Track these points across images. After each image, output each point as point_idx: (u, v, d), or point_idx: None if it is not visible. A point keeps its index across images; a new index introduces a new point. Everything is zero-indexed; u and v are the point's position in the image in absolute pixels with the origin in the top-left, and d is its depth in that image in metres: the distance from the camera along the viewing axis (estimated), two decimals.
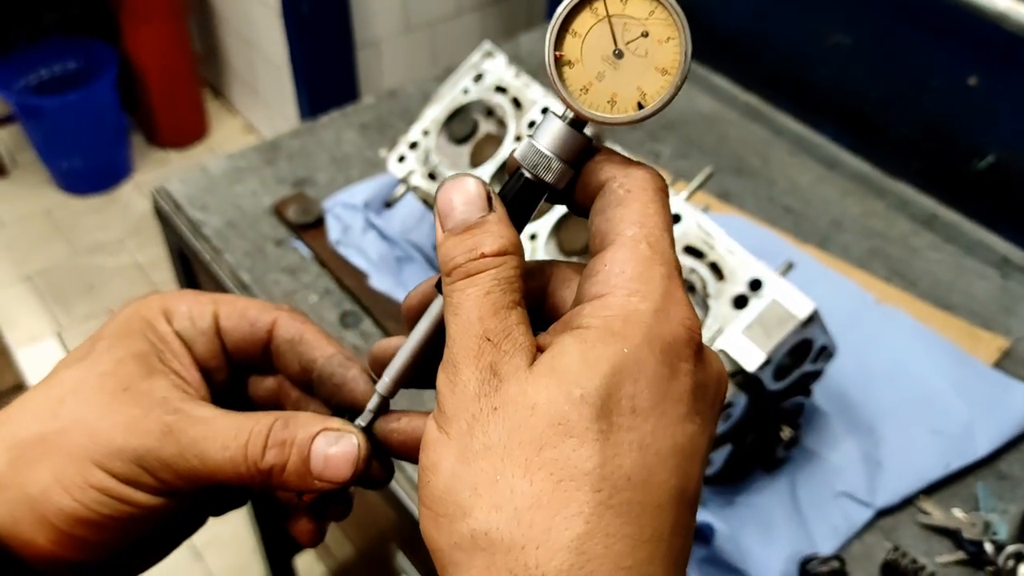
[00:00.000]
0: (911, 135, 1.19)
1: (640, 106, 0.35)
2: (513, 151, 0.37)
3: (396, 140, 1.03)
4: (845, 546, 0.85)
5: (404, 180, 0.99)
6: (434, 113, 1.00)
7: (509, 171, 0.37)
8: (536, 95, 0.95)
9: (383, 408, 0.39)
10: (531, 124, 0.94)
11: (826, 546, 0.84)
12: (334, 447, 0.37)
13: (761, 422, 0.85)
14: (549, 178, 0.36)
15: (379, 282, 1.06)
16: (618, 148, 0.42)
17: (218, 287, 1.11)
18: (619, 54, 0.35)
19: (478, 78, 0.99)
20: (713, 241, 0.80)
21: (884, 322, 1.02)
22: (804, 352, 0.81)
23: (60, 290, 2.61)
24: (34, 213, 2.83)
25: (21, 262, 2.69)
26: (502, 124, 0.97)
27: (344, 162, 1.23)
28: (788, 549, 0.84)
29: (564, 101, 0.35)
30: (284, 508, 0.43)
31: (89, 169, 2.84)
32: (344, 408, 0.41)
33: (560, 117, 0.36)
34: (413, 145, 1.00)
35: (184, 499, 0.39)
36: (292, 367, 0.42)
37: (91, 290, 2.61)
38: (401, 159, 1.00)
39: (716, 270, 0.79)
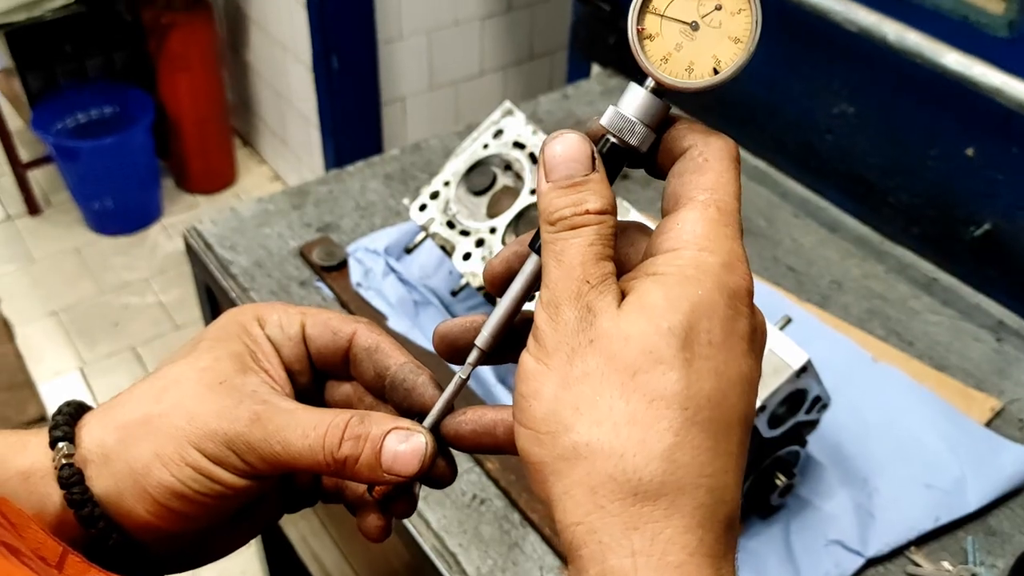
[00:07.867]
0: (911, 202, 1.23)
1: (716, 71, 0.38)
2: (597, 118, 0.39)
3: (418, 190, 1.08)
4: None
5: (424, 227, 1.05)
6: (455, 166, 1.06)
7: (593, 138, 0.39)
8: None
9: (447, 410, 0.43)
10: None
11: None
12: (404, 444, 0.41)
13: (758, 469, 0.88)
14: (634, 141, 0.39)
15: (397, 324, 1.11)
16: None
17: None
18: (695, 26, 0.38)
19: (498, 134, 1.05)
20: None
21: (880, 379, 1.05)
22: (799, 402, 0.85)
23: (85, 326, 2.66)
24: (64, 251, 2.91)
25: (49, 298, 2.75)
26: (519, 178, 1.03)
27: (368, 209, 1.29)
28: None
29: (646, 70, 0.38)
30: (352, 505, 0.46)
31: (120, 210, 2.92)
32: (413, 412, 0.45)
33: (642, 86, 0.39)
34: (434, 195, 1.05)
35: (265, 484, 0.43)
36: (368, 374, 0.46)
37: (115, 328, 2.67)
38: (423, 208, 1.05)
39: None
